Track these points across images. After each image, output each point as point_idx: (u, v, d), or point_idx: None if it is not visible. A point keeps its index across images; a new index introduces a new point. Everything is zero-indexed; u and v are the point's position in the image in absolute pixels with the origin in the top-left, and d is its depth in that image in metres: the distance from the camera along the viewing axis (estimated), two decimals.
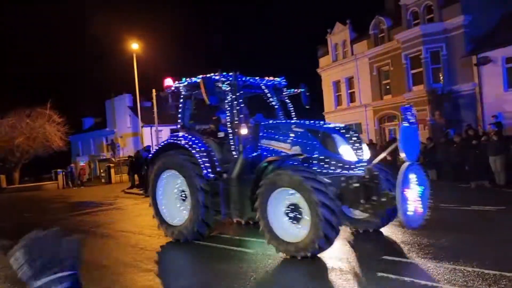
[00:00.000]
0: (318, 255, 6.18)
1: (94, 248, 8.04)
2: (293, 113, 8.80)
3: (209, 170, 7.30)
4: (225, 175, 7.25)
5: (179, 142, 7.90)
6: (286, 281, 5.35)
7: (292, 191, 5.97)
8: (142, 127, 37.95)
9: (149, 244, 8.06)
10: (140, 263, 6.58)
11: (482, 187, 12.65)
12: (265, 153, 7.18)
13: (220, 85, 7.42)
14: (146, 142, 32.79)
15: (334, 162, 6.47)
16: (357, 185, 6.21)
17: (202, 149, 7.51)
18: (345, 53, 29.47)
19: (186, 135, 7.98)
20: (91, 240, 8.97)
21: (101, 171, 37.50)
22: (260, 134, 7.38)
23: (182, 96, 8.29)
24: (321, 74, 32.06)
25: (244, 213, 7.06)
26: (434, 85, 21.90)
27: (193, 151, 7.46)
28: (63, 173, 32.90)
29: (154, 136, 31.84)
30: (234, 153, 7.30)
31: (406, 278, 4.85)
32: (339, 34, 29.72)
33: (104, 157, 42.06)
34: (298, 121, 7.82)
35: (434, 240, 6.54)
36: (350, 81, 29.62)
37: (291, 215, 6.08)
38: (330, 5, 73.36)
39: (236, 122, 7.31)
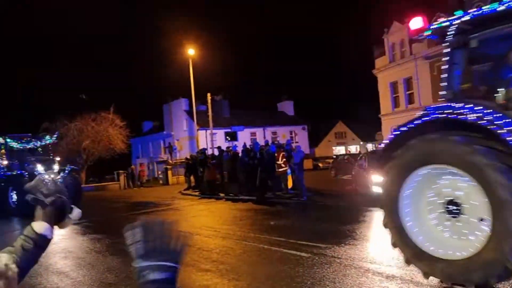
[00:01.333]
0: (369, 260, 5.99)
1: None
2: None
3: None
4: None
5: (460, 117, 4.60)
6: (333, 285, 5.22)
7: None
8: (197, 130, 39.02)
9: (206, 244, 8.22)
10: (198, 263, 6.73)
11: None
12: None
13: None
14: (202, 145, 33.64)
15: None
16: None
17: None
18: (403, 53, 28.46)
19: (471, 106, 4.61)
20: None
21: (159, 172, 38.95)
22: None
23: (448, 44, 5.10)
24: (377, 75, 31.19)
25: None
26: None
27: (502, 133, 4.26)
28: (125, 174, 34.58)
29: (208, 139, 32.60)
30: None
31: None
32: (397, 33, 28.75)
33: (162, 159, 43.66)
34: None
35: None
36: (408, 82, 28.56)
37: None
38: (386, 4, 71.22)
39: None
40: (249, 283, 5.61)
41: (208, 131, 32.01)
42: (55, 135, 20.11)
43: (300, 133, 50.27)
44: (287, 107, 52.93)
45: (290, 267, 6.07)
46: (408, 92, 28.61)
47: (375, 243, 7.52)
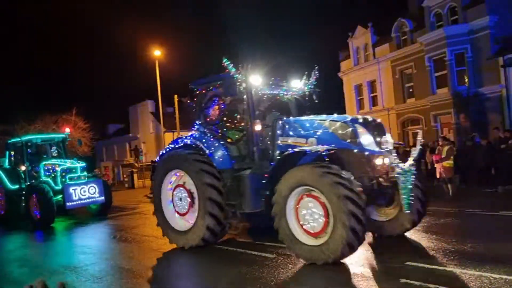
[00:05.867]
0: None
1: (118, 252, 8.16)
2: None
3: None
4: None
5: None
6: (306, 287, 5.31)
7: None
8: (164, 132, 38.50)
9: (170, 247, 8.12)
10: (158, 266, 6.65)
11: (509, 192, 12.26)
12: None
13: None
14: None
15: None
16: None
17: None
18: (366, 56, 29.20)
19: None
20: (115, 244, 9.12)
21: (124, 176, 38.11)
22: None
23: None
24: (342, 78, 31.86)
25: None
26: (459, 87, 21.45)
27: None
28: None
29: None
30: None
31: (430, 285, 4.73)
32: (361, 37, 29.47)
33: (128, 162, 42.76)
34: None
35: (459, 246, 6.38)
36: (372, 85, 29.32)
37: None
38: (351, 8, 72.84)
39: None
40: (214, 286, 5.60)
41: (175, 133, 31.62)
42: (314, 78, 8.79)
43: None
44: None
45: (255, 268, 6.10)
46: (372, 95, 29.36)
47: None
